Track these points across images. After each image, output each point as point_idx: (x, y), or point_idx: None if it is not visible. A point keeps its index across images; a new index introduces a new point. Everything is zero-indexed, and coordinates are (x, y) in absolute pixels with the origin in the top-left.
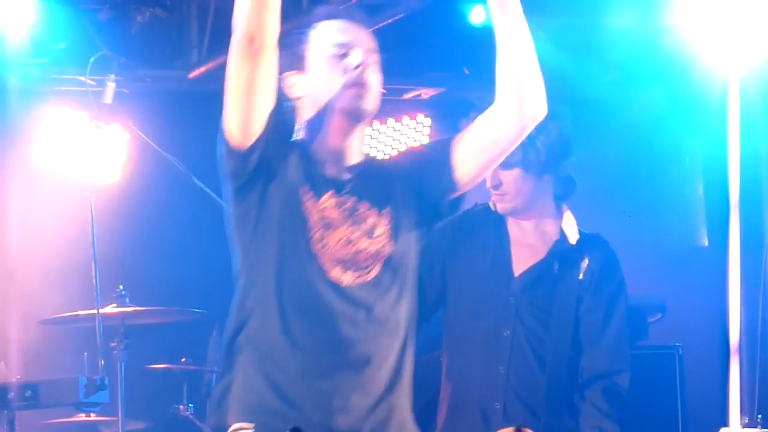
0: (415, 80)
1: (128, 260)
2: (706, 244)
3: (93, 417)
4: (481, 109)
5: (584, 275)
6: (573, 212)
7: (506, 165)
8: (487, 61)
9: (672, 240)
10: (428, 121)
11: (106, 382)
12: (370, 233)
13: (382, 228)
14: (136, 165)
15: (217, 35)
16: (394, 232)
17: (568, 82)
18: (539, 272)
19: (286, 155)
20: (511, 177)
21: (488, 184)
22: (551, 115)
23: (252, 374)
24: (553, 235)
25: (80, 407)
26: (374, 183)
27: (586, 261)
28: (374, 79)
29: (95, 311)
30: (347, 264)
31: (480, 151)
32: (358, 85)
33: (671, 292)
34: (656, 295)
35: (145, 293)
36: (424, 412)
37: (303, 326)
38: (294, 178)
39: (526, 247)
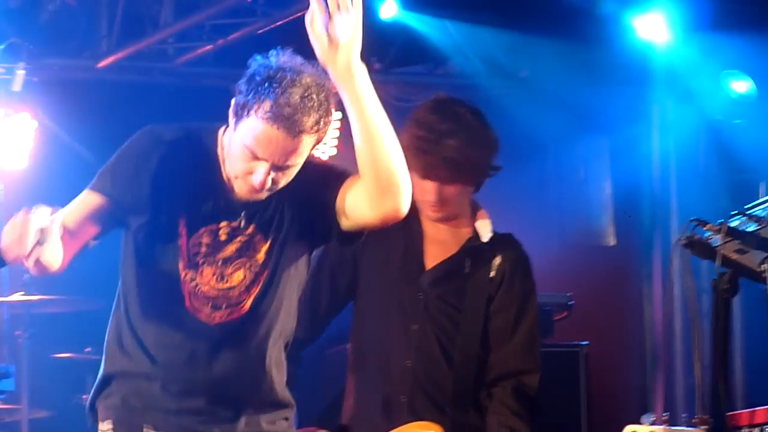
0: (324, 74)
1: None
2: (613, 243)
3: None
4: None
5: (496, 273)
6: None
7: (449, 180)
8: (397, 56)
9: (579, 239)
10: (338, 115)
11: (12, 370)
12: (253, 264)
13: (266, 256)
14: (44, 153)
15: (127, 26)
16: (276, 259)
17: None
18: (449, 267)
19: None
20: (453, 191)
21: (433, 199)
22: (477, 133)
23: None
24: (466, 233)
25: None
26: (273, 207)
27: (498, 259)
28: (276, 180)
29: (0, 299)
30: (217, 300)
31: (355, 210)
32: (256, 188)
33: (578, 290)
34: (562, 293)
35: (51, 282)
36: (330, 406)
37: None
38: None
39: (438, 243)
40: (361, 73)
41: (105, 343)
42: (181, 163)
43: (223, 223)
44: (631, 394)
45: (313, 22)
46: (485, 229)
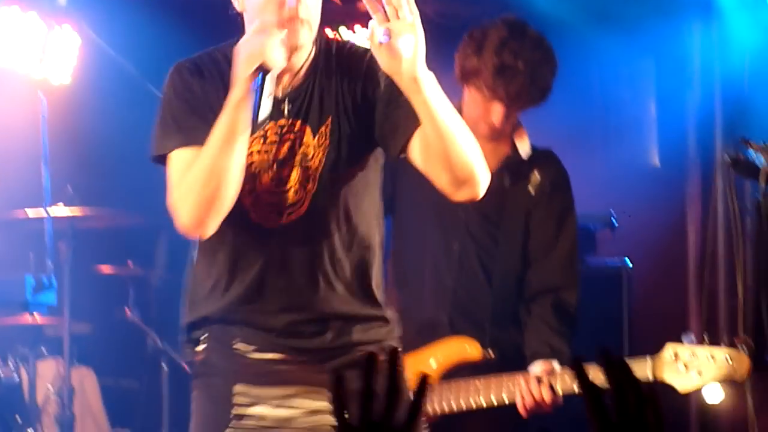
0: None
1: (78, 161)
2: (658, 164)
3: (38, 317)
4: None
5: (535, 190)
6: (527, 129)
7: (523, 106)
8: None
9: (624, 159)
10: None
11: (54, 282)
12: (303, 158)
13: (318, 148)
14: (89, 67)
15: None
16: (329, 153)
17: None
18: (489, 184)
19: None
20: (517, 114)
21: (498, 123)
22: (555, 62)
23: None
24: (506, 149)
25: (27, 306)
26: (316, 95)
27: (537, 175)
28: (310, 13)
29: (44, 211)
30: (278, 205)
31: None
32: (289, 24)
33: (622, 210)
34: (606, 211)
35: (93, 195)
36: None
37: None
38: None
39: None
40: (428, 82)
41: (186, 295)
42: (216, 86)
43: (270, 124)
44: (671, 314)
45: (374, 36)
46: (524, 145)
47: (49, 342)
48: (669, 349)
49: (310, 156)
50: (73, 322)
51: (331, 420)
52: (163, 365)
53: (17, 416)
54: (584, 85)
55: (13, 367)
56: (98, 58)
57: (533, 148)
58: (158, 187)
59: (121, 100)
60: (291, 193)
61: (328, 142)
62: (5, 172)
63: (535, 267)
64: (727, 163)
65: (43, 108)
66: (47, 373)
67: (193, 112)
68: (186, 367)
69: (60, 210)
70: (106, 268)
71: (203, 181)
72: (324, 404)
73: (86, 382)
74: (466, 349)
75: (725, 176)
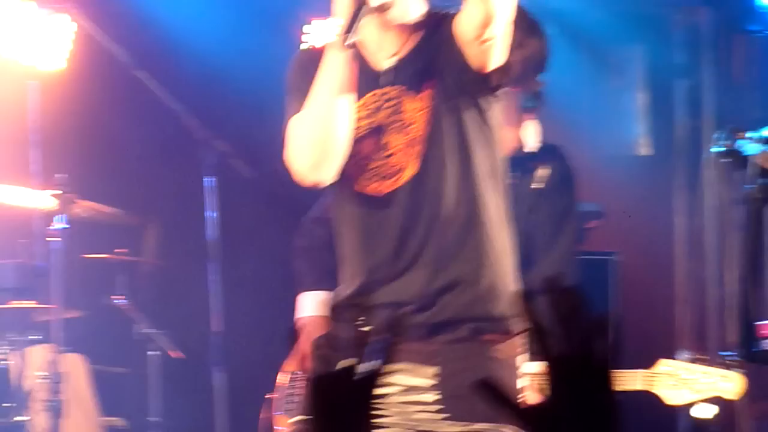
0: None
1: (72, 149)
2: (647, 153)
3: (27, 304)
4: None
5: (538, 185)
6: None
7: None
8: None
9: (614, 149)
10: None
11: (44, 268)
12: (402, 123)
13: (419, 112)
14: (84, 54)
15: None
16: (434, 113)
17: None
18: None
19: None
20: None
21: None
22: (535, 31)
23: None
24: (510, 142)
25: (17, 293)
26: (416, 63)
27: (545, 170)
28: None
29: (35, 197)
30: (383, 170)
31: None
32: None
33: (611, 200)
34: (594, 202)
35: (86, 183)
36: None
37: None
38: None
39: None
40: None
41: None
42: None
43: (368, 94)
44: (659, 304)
45: None
46: (531, 139)
47: (38, 328)
48: (662, 364)
49: (413, 122)
50: (63, 308)
51: (426, 397)
52: (151, 352)
53: (9, 403)
54: (572, 75)
55: (1, 354)
56: (93, 46)
57: (543, 144)
58: (149, 173)
59: (113, 87)
60: (395, 159)
61: (432, 106)
62: None
63: (534, 265)
64: (717, 153)
65: (33, 94)
66: (37, 360)
67: (306, 83)
68: (171, 353)
69: (52, 197)
70: (96, 255)
71: (312, 123)
72: (420, 380)
73: (76, 368)
74: None
75: (716, 165)
